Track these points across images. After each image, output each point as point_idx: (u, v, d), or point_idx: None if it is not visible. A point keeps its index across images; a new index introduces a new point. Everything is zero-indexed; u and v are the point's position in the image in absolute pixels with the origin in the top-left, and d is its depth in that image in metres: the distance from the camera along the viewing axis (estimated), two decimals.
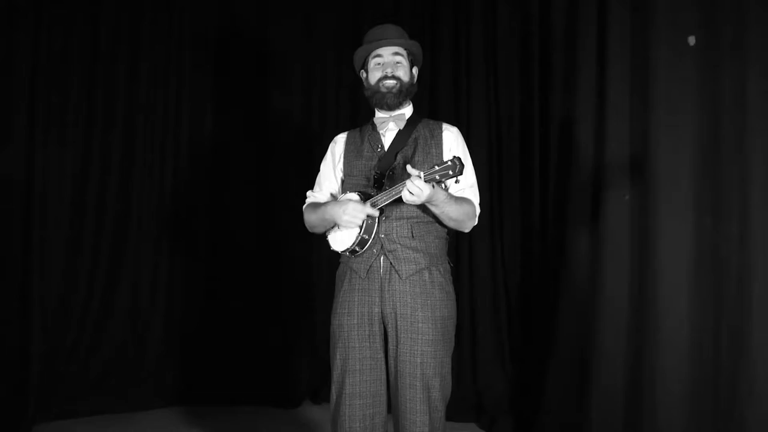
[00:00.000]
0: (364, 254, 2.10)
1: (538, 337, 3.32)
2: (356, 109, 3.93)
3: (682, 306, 2.46)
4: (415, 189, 1.88)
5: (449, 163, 1.85)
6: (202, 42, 3.96)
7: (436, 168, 1.87)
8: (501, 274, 3.66)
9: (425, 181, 1.87)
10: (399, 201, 1.98)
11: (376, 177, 2.10)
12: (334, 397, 2.12)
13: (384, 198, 2.00)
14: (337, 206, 2.05)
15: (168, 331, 3.86)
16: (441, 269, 2.14)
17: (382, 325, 2.13)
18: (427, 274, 2.10)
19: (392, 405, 2.14)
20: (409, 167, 1.91)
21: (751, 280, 2.27)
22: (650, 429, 2.51)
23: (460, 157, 1.86)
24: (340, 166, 2.24)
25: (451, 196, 2.04)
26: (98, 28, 3.72)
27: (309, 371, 3.85)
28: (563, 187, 3.08)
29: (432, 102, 3.88)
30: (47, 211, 3.54)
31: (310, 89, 4.03)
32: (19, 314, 3.36)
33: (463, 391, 3.59)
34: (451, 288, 2.17)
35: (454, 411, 3.48)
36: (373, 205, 2.02)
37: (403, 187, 1.91)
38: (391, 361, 2.11)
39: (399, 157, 2.14)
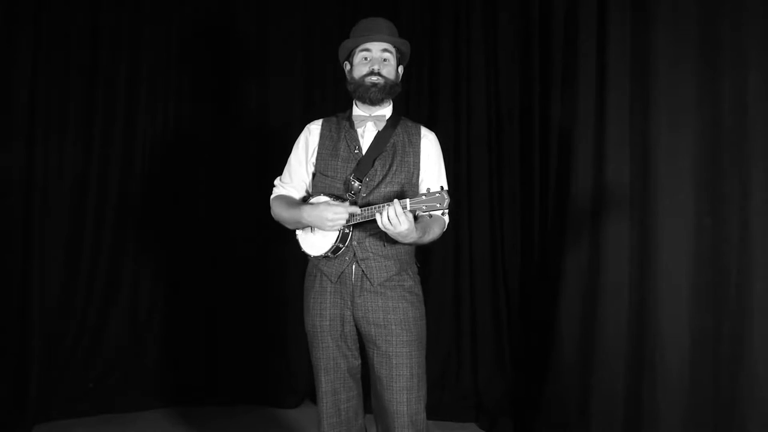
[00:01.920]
0: (336, 260, 2.10)
1: (538, 337, 3.32)
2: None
3: (682, 306, 2.46)
4: (394, 219, 1.86)
5: (437, 195, 1.82)
6: (202, 40, 3.95)
7: (423, 198, 1.84)
8: (501, 274, 3.66)
9: (410, 211, 1.85)
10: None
11: (353, 183, 2.09)
12: (316, 393, 2.19)
13: (365, 215, 1.98)
14: (315, 211, 2.01)
15: (167, 331, 3.86)
16: (410, 272, 2.17)
17: (354, 327, 2.15)
18: (396, 279, 2.12)
19: (373, 407, 2.18)
20: (395, 201, 1.87)
21: (751, 280, 2.27)
22: (650, 429, 2.51)
23: (447, 189, 1.84)
24: (313, 160, 2.20)
25: (424, 229, 2.03)
26: (99, 28, 3.71)
27: (308, 371, 3.83)
28: (563, 186, 3.07)
29: (432, 102, 3.88)
30: (47, 211, 3.53)
31: (311, 88, 4.03)
32: (19, 314, 3.36)
33: (463, 391, 3.60)
34: (419, 289, 2.20)
35: (454, 411, 3.50)
36: (351, 221, 2.00)
37: (381, 210, 1.89)
38: (369, 364, 2.14)
39: (377, 163, 2.12)
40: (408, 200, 1.86)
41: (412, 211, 1.86)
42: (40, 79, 3.44)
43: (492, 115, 3.69)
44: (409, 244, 2.12)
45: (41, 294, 3.46)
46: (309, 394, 3.81)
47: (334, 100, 4.03)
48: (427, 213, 1.86)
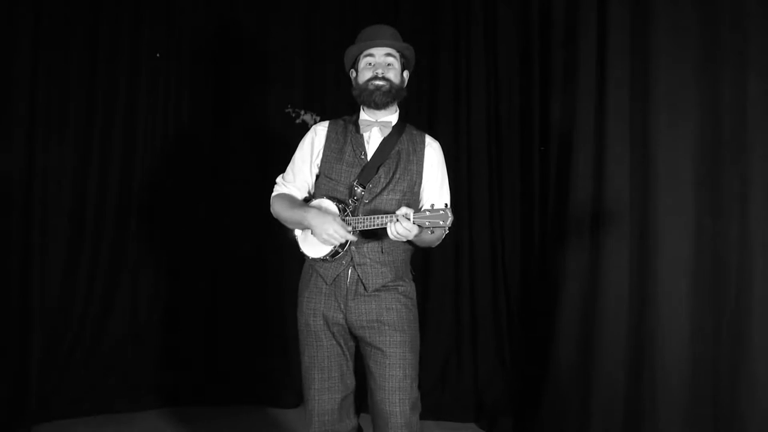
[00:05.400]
0: (333, 262, 2.11)
1: (538, 337, 3.32)
2: (355, 109, 3.92)
3: (682, 306, 2.46)
4: (404, 231, 1.89)
5: (441, 212, 1.87)
6: (202, 40, 3.95)
7: (427, 214, 1.88)
8: (501, 274, 3.66)
9: (413, 224, 1.88)
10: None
11: (357, 190, 2.10)
12: (305, 394, 2.18)
13: (367, 224, 2.00)
14: (318, 219, 2.02)
15: (167, 331, 3.85)
16: (406, 279, 2.19)
17: (347, 328, 2.16)
18: (391, 286, 2.13)
19: (369, 407, 2.18)
20: (398, 211, 1.90)
21: (751, 280, 2.28)
22: (650, 429, 2.51)
23: (449, 206, 1.89)
24: (317, 161, 2.21)
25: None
26: (98, 28, 3.71)
27: None
28: (563, 186, 3.08)
29: (432, 102, 3.88)
30: (47, 211, 3.53)
31: (311, 89, 4.03)
32: (19, 314, 3.36)
33: (463, 391, 3.60)
34: (414, 294, 2.21)
35: (454, 411, 3.50)
36: (354, 228, 2.02)
37: (388, 221, 1.92)
38: (364, 365, 2.15)
39: (381, 170, 2.13)
40: (412, 213, 1.90)
41: (415, 224, 1.90)
42: (40, 79, 3.44)
43: (492, 116, 3.69)
44: (417, 243, 2.14)
45: (41, 294, 3.46)
46: None
47: (334, 104, 4.04)
48: (429, 228, 1.89)
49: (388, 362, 2.07)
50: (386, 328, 2.09)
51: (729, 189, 2.36)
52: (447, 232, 2.15)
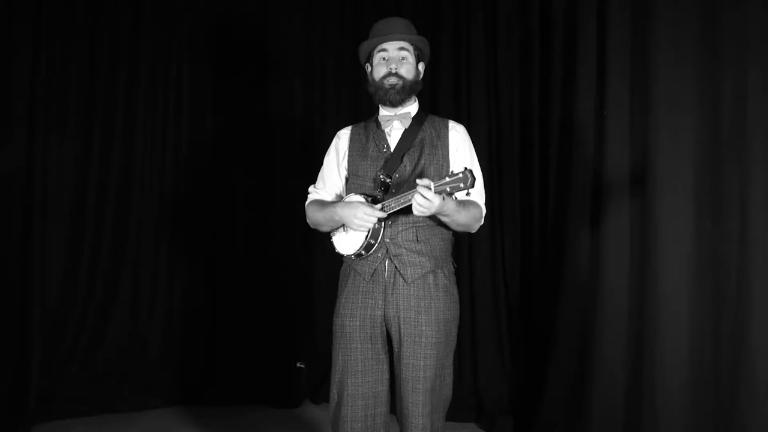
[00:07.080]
0: (369, 257, 2.09)
1: (538, 336, 3.32)
2: (357, 108, 3.93)
3: (682, 306, 2.46)
4: (425, 201, 1.85)
5: (460, 175, 1.82)
6: (202, 40, 3.96)
7: (447, 179, 1.84)
8: (501, 274, 3.65)
9: (435, 193, 1.84)
10: (406, 207, 1.96)
11: (382, 180, 2.08)
12: (335, 398, 2.13)
13: (393, 205, 1.98)
14: (347, 209, 2.03)
15: (168, 331, 3.86)
16: (445, 271, 2.15)
17: (385, 328, 2.13)
18: (431, 278, 2.10)
19: (396, 407, 2.15)
20: (418, 180, 1.86)
21: (751, 280, 2.27)
22: (650, 429, 2.51)
23: (471, 169, 1.83)
24: (344, 164, 2.22)
25: (459, 204, 2.01)
26: (99, 28, 3.72)
27: (309, 371, 3.85)
28: (563, 186, 3.08)
29: (432, 102, 3.88)
30: (47, 211, 3.54)
31: (311, 89, 4.03)
32: (19, 314, 3.36)
33: (463, 391, 3.59)
34: (455, 290, 2.17)
35: (454, 411, 3.46)
36: (383, 211, 2.01)
37: (412, 196, 1.88)
38: (394, 364, 2.12)
39: (405, 159, 2.12)
40: (432, 182, 1.85)
41: (438, 193, 1.86)
42: (40, 79, 3.44)
43: (492, 115, 3.69)
44: (447, 227, 2.12)
45: (41, 294, 3.46)
46: (309, 394, 3.82)
47: (336, 100, 4.04)
48: (452, 194, 1.85)
49: (422, 364, 2.05)
50: (423, 327, 2.06)
51: (729, 188, 2.35)
52: (483, 214, 2.13)
